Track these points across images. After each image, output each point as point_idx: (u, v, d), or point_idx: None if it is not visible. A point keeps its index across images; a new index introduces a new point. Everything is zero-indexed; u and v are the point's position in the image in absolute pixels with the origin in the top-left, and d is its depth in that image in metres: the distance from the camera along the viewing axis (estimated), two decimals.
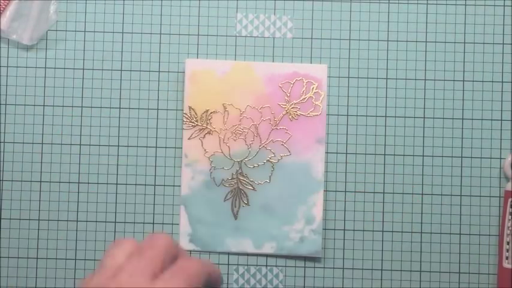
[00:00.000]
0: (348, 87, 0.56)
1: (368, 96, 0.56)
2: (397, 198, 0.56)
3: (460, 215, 0.56)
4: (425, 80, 0.56)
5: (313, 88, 0.56)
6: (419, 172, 0.56)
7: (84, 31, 0.57)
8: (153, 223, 0.56)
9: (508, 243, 0.54)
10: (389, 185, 0.56)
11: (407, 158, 0.56)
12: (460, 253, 0.56)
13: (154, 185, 0.56)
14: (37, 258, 0.56)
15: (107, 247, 0.54)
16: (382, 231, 0.56)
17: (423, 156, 0.56)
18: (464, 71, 0.56)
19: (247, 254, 0.56)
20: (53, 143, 0.56)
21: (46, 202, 0.56)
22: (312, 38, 0.57)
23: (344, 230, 0.56)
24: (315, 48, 0.57)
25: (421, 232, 0.56)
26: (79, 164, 0.56)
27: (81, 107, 0.57)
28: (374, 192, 0.56)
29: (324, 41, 0.57)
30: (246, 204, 0.56)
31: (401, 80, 0.56)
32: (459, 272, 0.55)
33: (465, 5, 0.57)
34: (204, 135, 0.56)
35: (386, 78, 0.56)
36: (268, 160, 0.56)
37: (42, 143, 0.56)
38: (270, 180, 0.56)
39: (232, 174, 0.56)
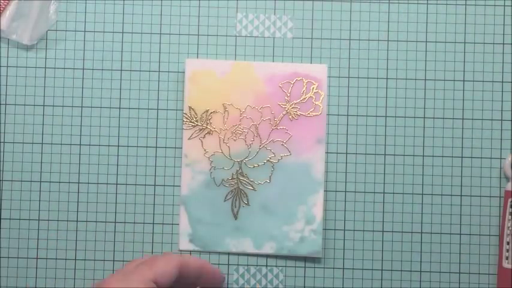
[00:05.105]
0: (348, 87, 0.56)
1: (368, 96, 0.56)
2: (397, 198, 0.56)
3: (460, 215, 0.56)
4: (425, 80, 0.56)
5: (313, 88, 0.56)
6: (419, 172, 0.56)
7: (84, 31, 0.57)
8: (153, 223, 0.56)
9: (508, 243, 0.54)
10: (389, 185, 0.56)
11: (407, 158, 0.56)
12: (460, 253, 0.56)
13: (154, 185, 0.56)
14: (37, 258, 0.56)
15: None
16: (382, 231, 0.56)
17: (423, 156, 0.56)
18: (464, 71, 0.56)
19: (247, 254, 0.56)
20: (53, 143, 0.56)
21: (46, 202, 0.56)
22: (312, 38, 0.57)
23: (344, 230, 0.56)
24: (315, 48, 0.57)
25: (421, 232, 0.56)
26: (79, 164, 0.56)
27: (81, 107, 0.57)
28: (374, 192, 0.56)
29: (324, 41, 0.57)
30: (246, 204, 0.56)
31: (401, 80, 0.56)
32: (459, 272, 0.55)
33: (465, 5, 0.57)
34: (204, 135, 0.56)
35: (387, 78, 0.56)
36: (268, 160, 0.56)
37: (42, 143, 0.56)
38: (270, 180, 0.56)
39: (232, 174, 0.56)
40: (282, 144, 0.56)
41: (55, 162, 0.56)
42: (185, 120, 0.56)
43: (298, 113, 0.56)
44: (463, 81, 0.56)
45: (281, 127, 0.56)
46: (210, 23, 0.57)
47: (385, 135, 0.56)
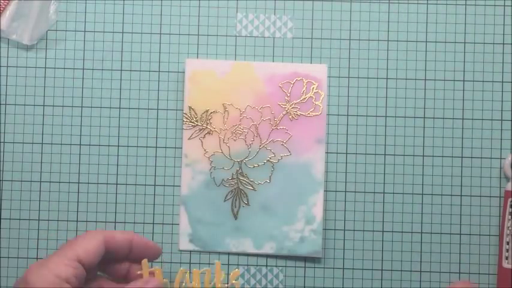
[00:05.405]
0: (348, 87, 0.56)
1: (368, 96, 0.56)
2: (397, 198, 0.56)
3: (460, 215, 0.56)
4: (425, 80, 0.56)
5: (313, 88, 0.56)
6: (419, 172, 0.56)
7: (84, 31, 0.57)
8: (153, 223, 0.56)
9: (508, 243, 0.54)
10: (389, 185, 0.56)
11: (407, 158, 0.56)
12: (460, 253, 0.56)
13: (154, 185, 0.56)
14: (37, 258, 0.56)
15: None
16: (382, 231, 0.56)
17: (423, 156, 0.56)
18: (464, 71, 0.56)
19: (247, 254, 0.56)
20: (53, 143, 0.56)
21: (46, 202, 0.56)
22: (312, 38, 0.57)
23: (344, 230, 0.56)
24: (315, 48, 0.57)
25: (421, 232, 0.56)
26: (79, 164, 0.56)
27: (81, 107, 0.57)
28: (374, 192, 0.56)
29: (324, 41, 0.57)
30: (246, 204, 0.56)
31: (401, 80, 0.56)
32: (459, 272, 0.55)
33: (465, 5, 0.57)
34: (204, 135, 0.56)
35: (387, 78, 0.56)
36: (268, 160, 0.56)
37: (42, 143, 0.56)
38: (270, 180, 0.56)
39: (232, 174, 0.56)
40: (282, 144, 0.56)
41: (55, 162, 0.56)
42: (185, 120, 0.56)
43: (298, 113, 0.56)
44: (463, 81, 0.56)
45: (281, 127, 0.56)
46: (210, 23, 0.57)
47: (385, 135, 0.56)
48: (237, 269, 0.54)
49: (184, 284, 0.52)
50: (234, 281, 0.53)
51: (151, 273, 0.51)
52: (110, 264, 0.51)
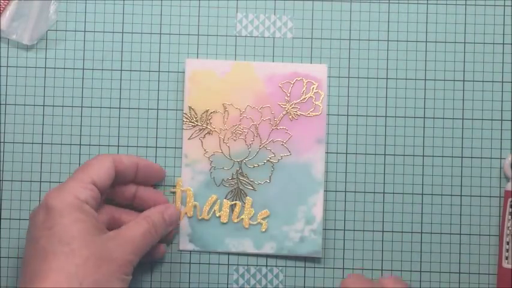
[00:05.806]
0: (348, 87, 0.56)
1: (368, 96, 0.56)
2: (397, 198, 0.56)
3: (460, 215, 0.56)
4: (425, 80, 0.56)
5: (313, 88, 0.56)
6: (419, 172, 0.56)
7: (84, 31, 0.57)
8: None
9: (508, 243, 0.54)
10: (389, 185, 0.56)
11: (407, 158, 0.56)
12: (460, 253, 0.56)
13: (155, 185, 0.56)
14: None
15: None
16: (382, 231, 0.56)
17: (423, 156, 0.56)
18: (464, 71, 0.56)
19: (247, 254, 0.56)
20: (53, 143, 0.56)
21: None
22: (312, 38, 0.57)
23: (344, 230, 0.56)
24: (315, 48, 0.57)
25: (421, 232, 0.56)
26: (79, 164, 0.56)
27: (81, 107, 0.57)
28: (374, 192, 0.56)
29: (324, 41, 0.57)
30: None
31: (401, 80, 0.56)
32: (459, 272, 0.55)
33: (465, 5, 0.57)
34: (204, 135, 0.56)
35: (387, 78, 0.56)
36: (268, 160, 0.56)
37: (42, 143, 0.56)
38: (270, 180, 0.56)
39: (232, 174, 0.56)
40: (282, 144, 0.56)
41: (55, 162, 0.56)
42: (185, 120, 0.56)
43: (298, 113, 0.56)
44: (463, 81, 0.56)
45: (281, 127, 0.56)
46: (210, 23, 0.57)
47: (385, 135, 0.56)
48: (266, 210, 0.55)
49: (212, 212, 0.54)
50: (262, 221, 0.54)
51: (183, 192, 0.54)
52: (115, 188, 0.53)
